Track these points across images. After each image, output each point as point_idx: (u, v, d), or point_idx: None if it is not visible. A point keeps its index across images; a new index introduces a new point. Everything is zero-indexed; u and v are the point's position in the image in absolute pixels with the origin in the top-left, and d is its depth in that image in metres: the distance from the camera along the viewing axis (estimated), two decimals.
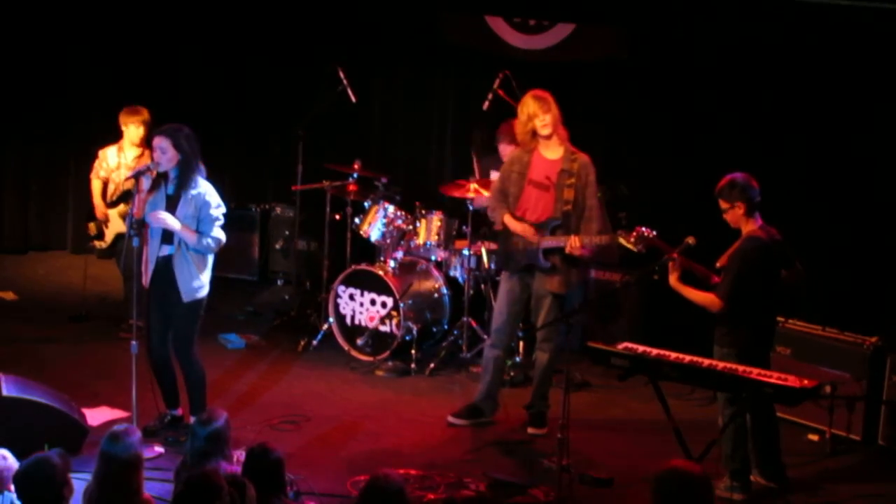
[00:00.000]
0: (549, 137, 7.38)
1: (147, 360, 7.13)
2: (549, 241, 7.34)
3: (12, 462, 5.17)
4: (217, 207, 6.96)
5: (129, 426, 5.24)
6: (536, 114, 7.34)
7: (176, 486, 5.46)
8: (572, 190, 7.31)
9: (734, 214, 6.57)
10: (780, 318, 7.42)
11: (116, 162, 8.85)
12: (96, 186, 8.92)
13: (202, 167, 6.99)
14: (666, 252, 6.65)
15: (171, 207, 6.92)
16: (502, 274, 7.78)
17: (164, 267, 6.98)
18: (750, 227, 6.58)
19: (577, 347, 8.06)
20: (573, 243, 7.21)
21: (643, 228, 6.78)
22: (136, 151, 8.77)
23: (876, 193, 8.34)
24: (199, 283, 7.01)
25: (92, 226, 9.00)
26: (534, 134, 7.40)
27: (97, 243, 9.06)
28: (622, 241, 7.13)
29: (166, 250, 6.97)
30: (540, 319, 7.50)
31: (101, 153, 8.95)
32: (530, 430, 7.59)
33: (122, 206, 8.72)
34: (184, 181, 6.91)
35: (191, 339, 7.12)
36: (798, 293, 7.19)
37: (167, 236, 6.94)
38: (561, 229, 7.32)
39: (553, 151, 7.43)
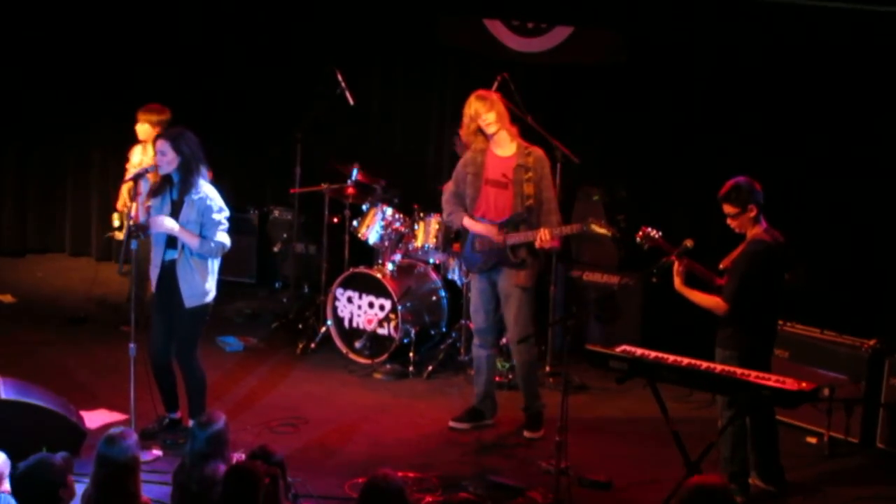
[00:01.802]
0: (496, 134, 7.40)
1: (148, 363, 7.14)
2: (516, 237, 7.36)
3: (4, 462, 5.18)
4: (220, 212, 6.95)
5: (125, 429, 5.24)
6: (479, 113, 7.37)
7: (173, 489, 5.46)
8: (532, 184, 7.33)
9: (744, 218, 6.56)
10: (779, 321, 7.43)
11: (139, 159, 8.90)
12: (128, 183, 8.97)
13: (205, 171, 6.99)
14: (667, 254, 6.65)
15: (176, 212, 6.93)
16: (470, 276, 7.81)
17: (169, 272, 6.98)
18: (755, 230, 6.58)
19: (557, 346, 8.06)
20: (543, 236, 7.23)
21: (649, 228, 6.78)
22: None
23: (875, 196, 8.34)
24: (203, 288, 7.00)
25: (115, 216, 9.08)
26: (479, 133, 7.43)
27: (116, 234, 9.12)
28: (594, 227, 7.17)
29: (170, 255, 6.97)
30: (511, 315, 7.50)
31: (131, 150, 9.01)
32: (526, 434, 7.58)
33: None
34: (185, 185, 6.90)
35: (193, 345, 7.12)
36: (799, 296, 7.21)
37: (171, 241, 6.95)
38: (525, 224, 7.34)
39: (506, 149, 7.45)
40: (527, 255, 7.40)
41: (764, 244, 6.54)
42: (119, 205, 9.09)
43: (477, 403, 7.75)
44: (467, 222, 7.51)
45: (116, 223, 9.10)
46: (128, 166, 9.02)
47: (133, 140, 8.97)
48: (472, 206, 7.52)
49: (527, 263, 7.42)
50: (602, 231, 7.21)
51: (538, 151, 7.45)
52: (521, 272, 7.43)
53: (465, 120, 7.46)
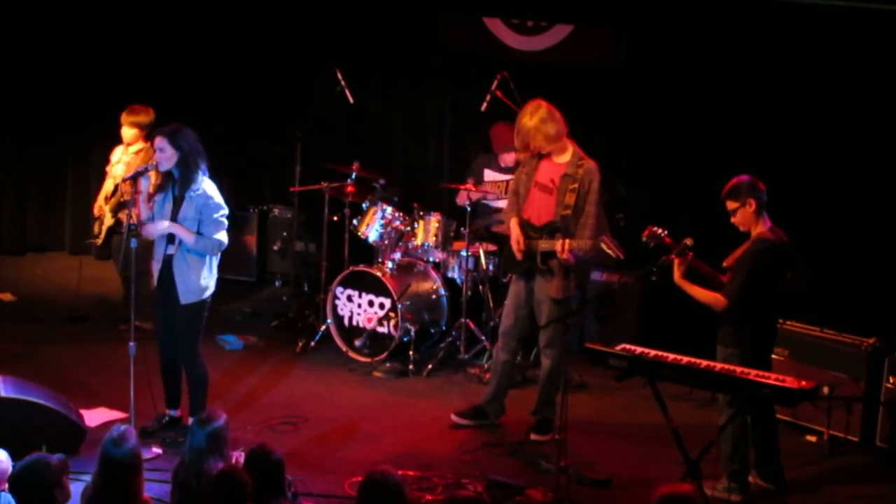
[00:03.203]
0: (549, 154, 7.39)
1: (158, 358, 7.19)
2: (545, 245, 7.34)
3: (6, 461, 5.17)
4: (218, 209, 6.96)
5: (126, 427, 5.22)
6: (530, 136, 7.30)
7: (173, 487, 5.46)
8: (574, 195, 7.30)
9: (745, 213, 6.57)
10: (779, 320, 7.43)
11: (118, 158, 8.89)
12: (106, 185, 8.96)
13: (204, 166, 6.99)
14: (674, 250, 6.64)
15: (177, 208, 6.94)
16: (511, 276, 7.80)
17: (167, 267, 7.01)
18: (759, 228, 6.58)
19: (575, 349, 8.08)
20: (563, 247, 7.22)
21: (656, 227, 6.77)
22: (137, 147, 8.77)
23: (875, 195, 8.34)
24: (199, 285, 7.00)
25: (96, 225, 9.06)
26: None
27: (95, 241, 9.12)
28: (604, 247, 7.15)
29: (169, 250, 6.98)
30: (542, 323, 7.48)
31: (113, 151, 9.00)
32: (533, 437, 7.56)
33: (113, 200, 8.77)
34: (185, 181, 6.92)
35: (193, 341, 7.12)
36: (800, 294, 7.20)
37: (172, 235, 6.96)
38: (560, 233, 7.32)
39: (561, 156, 7.44)
40: (557, 265, 7.34)
41: (768, 243, 6.54)
42: (95, 210, 9.05)
43: (483, 403, 7.73)
44: (512, 223, 7.50)
45: (96, 231, 9.07)
46: (108, 168, 9.00)
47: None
48: (522, 205, 7.52)
49: (556, 274, 7.37)
50: (609, 252, 7.19)
51: (590, 164, 7.37)
52: (552, 282, 7.38)
53: (518, 139, 7.42)
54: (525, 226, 7.45)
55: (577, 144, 7.45)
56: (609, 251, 7.18)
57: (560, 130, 7.33)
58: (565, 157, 7.41)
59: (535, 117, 7.31)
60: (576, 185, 7.30)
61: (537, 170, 7.46)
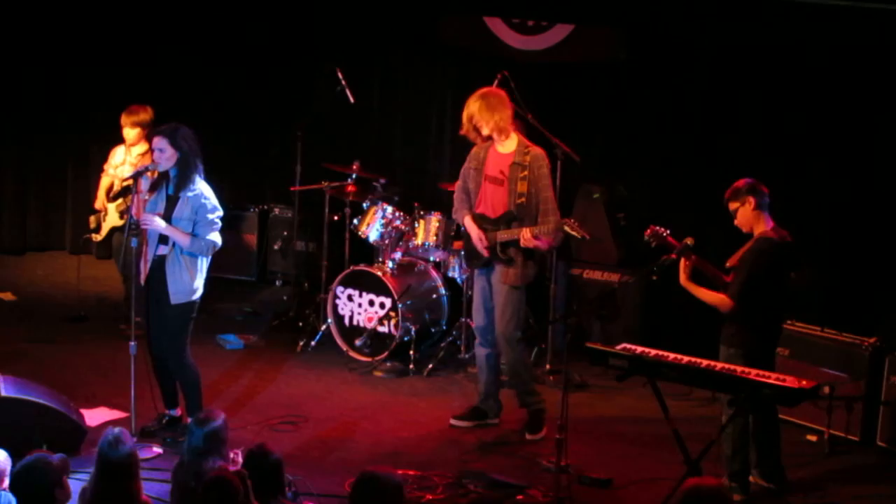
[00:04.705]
0: (490, 137, 7.41)
1: (149, 358, 7.15)
2: (505, 235, 7.37)
3: (6, 460, 5.18)
4: (214, 211, 6.94)
5: (121, 430, 5.19)
6: (472, 115, 7.38)
7: (173, 487, 5.46)
8: (525, 183, 7.33)
9: (744, 213, 6.58)
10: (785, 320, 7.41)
11: (122, 159, 8.90)
12: (104, 182, 8.98)
13: (201, 166, 6.98)
14: (675, 250, 6.64)
15: (171, 207, 6.91)
16: (473, 272, 7.80)
17: (158, 267, 6.97)
18: (762, 228, 6.58)
19: (565, 348, 8.07)
20: (525, 235, 7.24)
21: (658, 227, 6.78)
22: (141, 149, 8.76)
23: (875, 193, 8.33)
24: (190, 286, 6.98)
25: (92, 219, 9.09)
26: (476, 131, 7.44)
27: (94, 236, 9.12)
28: (568, 229, 7.19)
29: (162, 250, 6.96)
30: (497, 311, 7.50)
31: (112, 151, 8.98)
32: (528, 436, 7.56)
33: (120, 201, 8.77)
34: (182, 181, 6.90)
35: (181, 342, 7.08)
36: (801, 294, 7.19)
37: (164, 236, 6.94)
38: (517, 222, 7.34)
39: (506, 146, 7.46)
40: (516, 253, 7.39)
41: (771, 242, 6.54)
42: (97, 205, 9.06)
43: (479, 403, 7.74)
44: (467, 222, 7.52)
45: (93, 225, 9.08)
46: (105, 167, 9.00)
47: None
48: (473, 200, 7.55)
49: (515, 262, 7.40)
50: (574, 233, 7.21)
51: (537, 150, 7.44)
52: (509, 270, 7.42)
53: (464, 118, 7.47)
54: (479, 219, 7.47)
55: (522, 135, 7.51)
56: (574, 233, 7.20)
57: (507, 116, 7.38)
58: (511, 147, 7.44)
59: (484, 100, 7.37)
60: (525, 173, 7.34)
61: (485, 164, 7.48)
